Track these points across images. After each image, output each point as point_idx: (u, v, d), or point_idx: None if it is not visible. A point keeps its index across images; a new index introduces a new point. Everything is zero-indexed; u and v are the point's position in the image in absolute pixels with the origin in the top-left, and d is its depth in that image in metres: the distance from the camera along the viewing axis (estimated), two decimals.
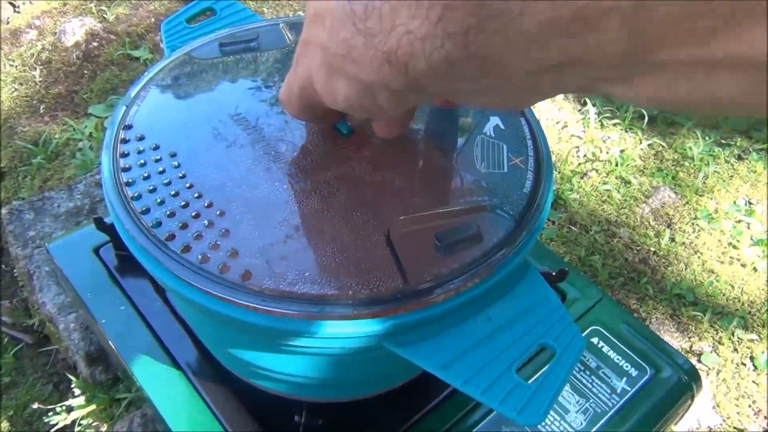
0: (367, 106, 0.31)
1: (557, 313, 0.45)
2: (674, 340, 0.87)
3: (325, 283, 0.38)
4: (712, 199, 1.04)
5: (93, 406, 0.77)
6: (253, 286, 0.36)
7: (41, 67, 1.25)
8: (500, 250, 0.43)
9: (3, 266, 0.98)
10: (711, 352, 0.86)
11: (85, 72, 1.24)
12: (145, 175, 0.41)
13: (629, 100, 0.24)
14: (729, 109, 0.21)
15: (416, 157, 0.46)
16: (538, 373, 0.62)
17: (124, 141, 0.43)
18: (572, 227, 0.99)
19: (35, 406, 0.81)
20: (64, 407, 0.78)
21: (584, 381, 0.65)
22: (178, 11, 0.64)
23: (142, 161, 0.41)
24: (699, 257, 0.96)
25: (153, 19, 1.34)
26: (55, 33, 1.31)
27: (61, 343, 0.85)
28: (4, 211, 0.93)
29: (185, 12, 0.64)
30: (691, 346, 0.86)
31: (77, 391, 0.78)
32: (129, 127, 0.44)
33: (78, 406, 0.77)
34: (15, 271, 0.94)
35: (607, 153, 1.10)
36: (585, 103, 1.18)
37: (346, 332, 0.40)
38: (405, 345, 0.42)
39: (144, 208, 0.39)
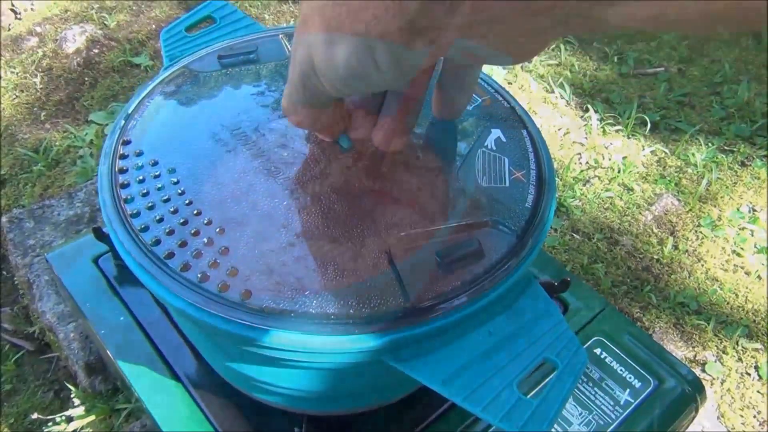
0: (369, 75, 0.31)
1: (559, 328, 0.45)
2: (678, 349, 0.86)
3: (325, 302, 0.38)
4: (715, 206, 1.04)
5: (92, 417, 0.77)
6: (253, 305, 0.36)
7: (42, 73, 1.25)
8: (501, 267, 0.42)
9: (4, 273, 0.98)
10: (715, 361, 0.85)
11: (86, 79, 1.24)
12: (144, 191, 0.40)
13: (627, 22, 0.24)
14: (727, 22, 0.22)
15: (417, 173, 0.46)
16: (539, 386, 0.61)
17: (123, 156, 0.42)
18: (575, 235, 0.98)
19: (35, 416, 0.81)
20: (63, 417, 0.78)
21: (587, 393, 0.64)
22: (178, 19, 0.64)
23: (140, 177, 0.41)
24: (702, 265, 0.96)
25: (154, 26, 1.34)
26: (56, 40, 1.30)
27: (61, 351, 0.84)
28: (4, 219, 0.92)
29: (185, 20, 0.64)
30: (695, 356, 0.86)
31: (77, 401, 0.78)
32: (127, 142, 0.43)
33: (78, 417, 0.77)
34: (15, 279, 0.93)
35: (610, 160, 1.09)
36: (587, 110, 1.17)
37: (345, 348, 0.39)
38: (405, 360, 0.41)
39: (143, 226, 0.38)
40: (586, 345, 0.69)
